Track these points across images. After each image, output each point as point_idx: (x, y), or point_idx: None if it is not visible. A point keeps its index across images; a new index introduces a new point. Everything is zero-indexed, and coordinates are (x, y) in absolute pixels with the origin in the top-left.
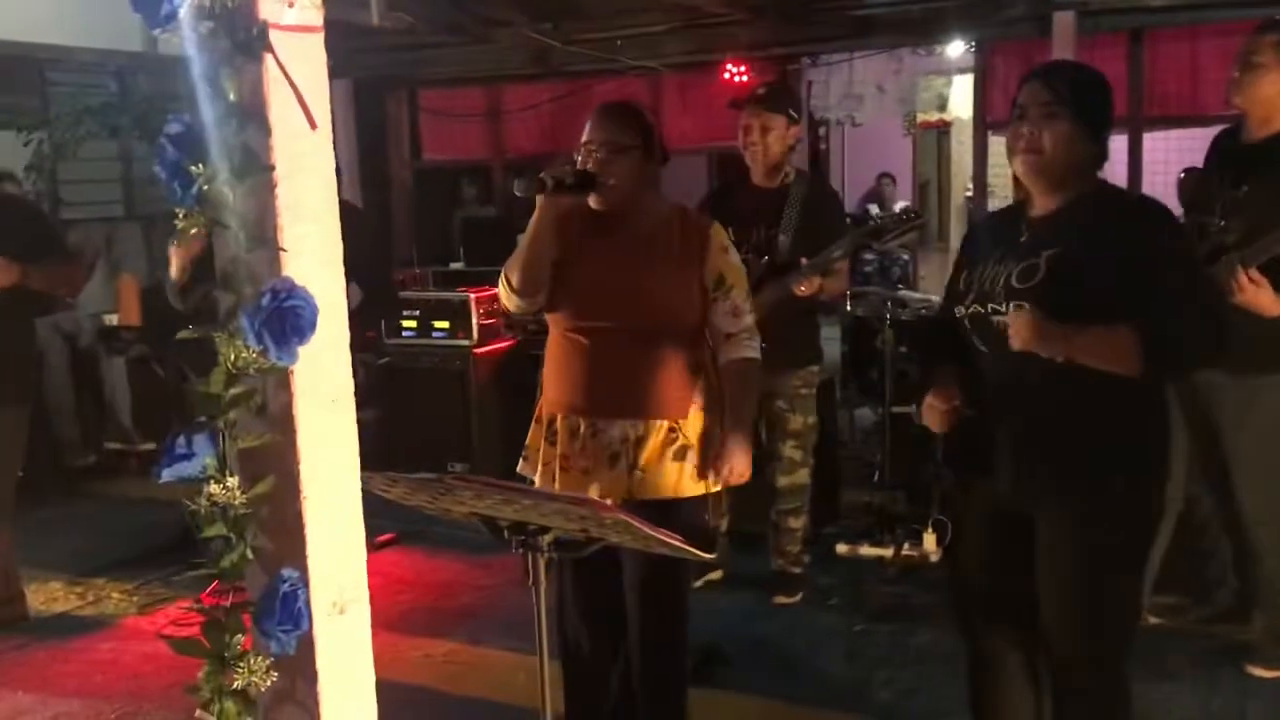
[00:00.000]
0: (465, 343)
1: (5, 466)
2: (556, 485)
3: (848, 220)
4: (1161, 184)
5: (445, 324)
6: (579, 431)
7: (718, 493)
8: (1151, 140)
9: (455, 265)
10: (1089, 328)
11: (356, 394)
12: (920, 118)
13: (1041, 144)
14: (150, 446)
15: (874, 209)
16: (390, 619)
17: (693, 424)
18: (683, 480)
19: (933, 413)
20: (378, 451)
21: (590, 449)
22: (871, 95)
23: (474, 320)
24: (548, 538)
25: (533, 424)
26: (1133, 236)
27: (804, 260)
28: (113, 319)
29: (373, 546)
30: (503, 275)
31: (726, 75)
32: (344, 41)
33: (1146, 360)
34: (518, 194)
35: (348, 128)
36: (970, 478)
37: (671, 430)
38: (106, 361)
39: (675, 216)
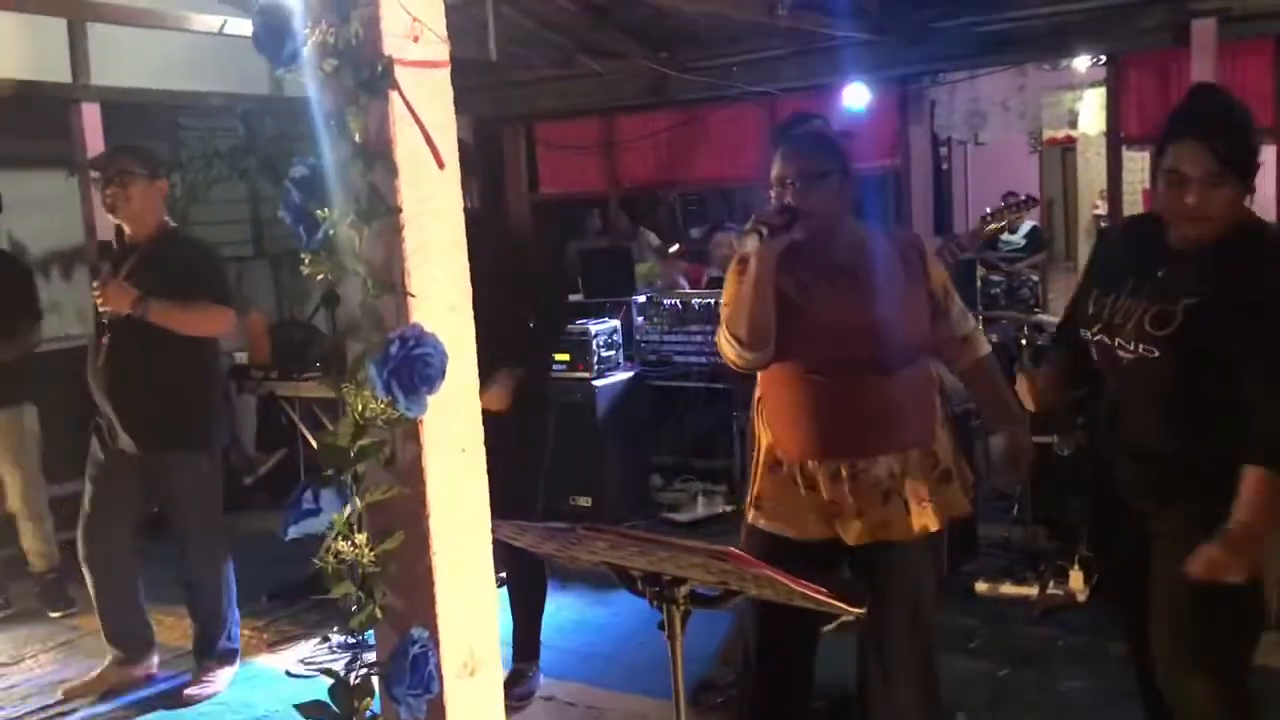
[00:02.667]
0: (584, 375)
1: (206, 503)
2: (840, 529)
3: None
4: None
5: (565, 356)
6: (840, 474)
7: None
8: None
9: (574, 297)
10: (1253, 515)
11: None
12: (1047, 134)
13: (1209, 213)
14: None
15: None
16: (510, 659)
17: (941, 444)
18: (956, 501)
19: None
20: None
21: (856, 490)
22: (995, 113)
23: (594, 352)
24: (684, 589)
25: (762, 471)
26: (1271, 285)
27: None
28: (242, 357)
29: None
30: (723, 332)
31: (845, 99)
32: (461, 78)
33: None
34: (740, 251)
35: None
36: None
37: (930, 456)
38: (236, 399)
39: (881, 234)
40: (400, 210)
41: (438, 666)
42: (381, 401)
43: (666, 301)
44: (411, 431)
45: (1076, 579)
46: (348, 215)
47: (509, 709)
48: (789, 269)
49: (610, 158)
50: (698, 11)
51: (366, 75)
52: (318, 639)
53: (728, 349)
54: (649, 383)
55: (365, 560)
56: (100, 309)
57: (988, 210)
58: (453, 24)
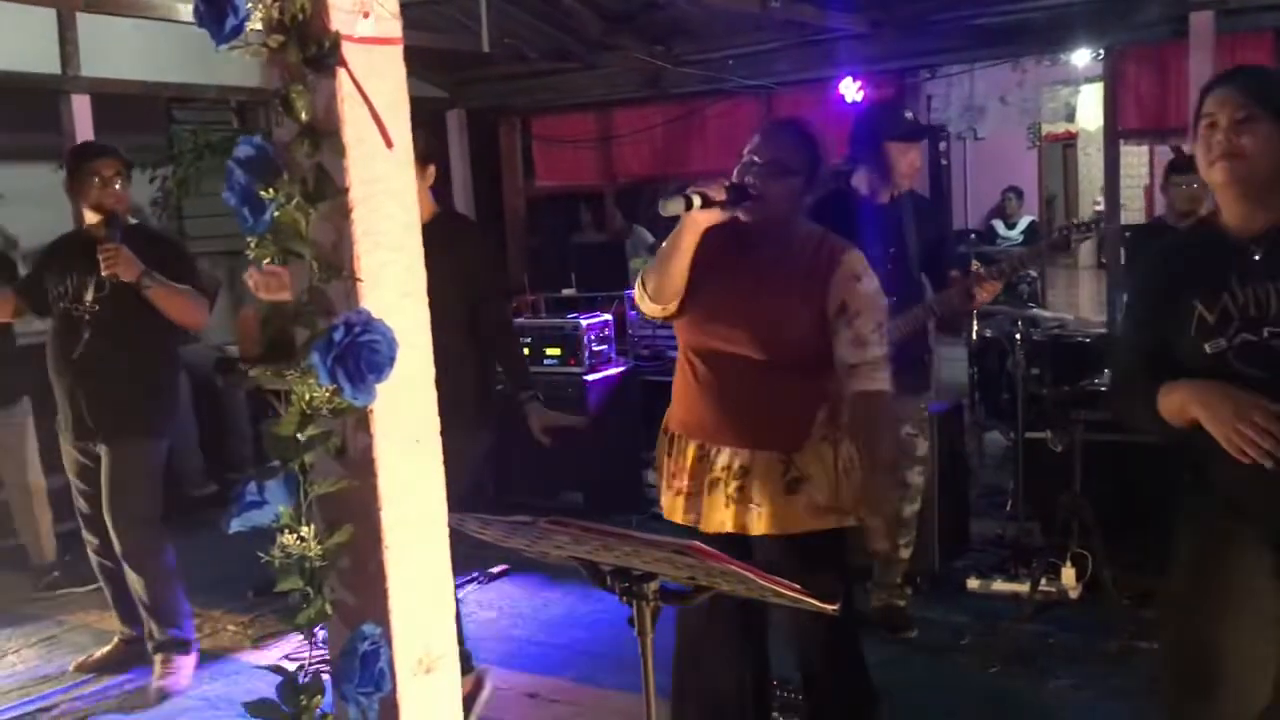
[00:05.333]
0: (577, 370)
1: (147, 499)
2: (676, 505)
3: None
4: None
5: (557, 351)
6: (688, 452)
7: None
8: None
9: (568, 291)
10: None
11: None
12: (1046, 129)
13: (1241, 148)
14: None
15: (999, 225)
16: (500, 655)
17: (809, 457)
18: (798, 514)
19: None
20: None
21: (696, 472)
22: (993, 107)
23: (586, 347)
24: (653, 585)
25: (660, 434)
26: None
27: (978, 266)
28: (234, 350)
29: (487, 577)
30: (640, 276)
31: (840, 92)
32: (456, 71)
33: None
34: (663, 214)
35: (463, 157)
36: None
37: (781, 461)
38: (227, 393)
39: (812, 241)
40: (348, 191)
41: (390, 664)
42: (326, 389)
43: None
44: (362, 421)
45: (1069, 576)
46: (294, 197)
47: None
48: (718, 245)
49: (606, 151)
50: (692, 4)
51: (314, 52)
52: (302, 635)
53: (636, 290)
54: (642, 377)
55: (313, 553)
56: (103, 274)
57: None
58: (446, 16)
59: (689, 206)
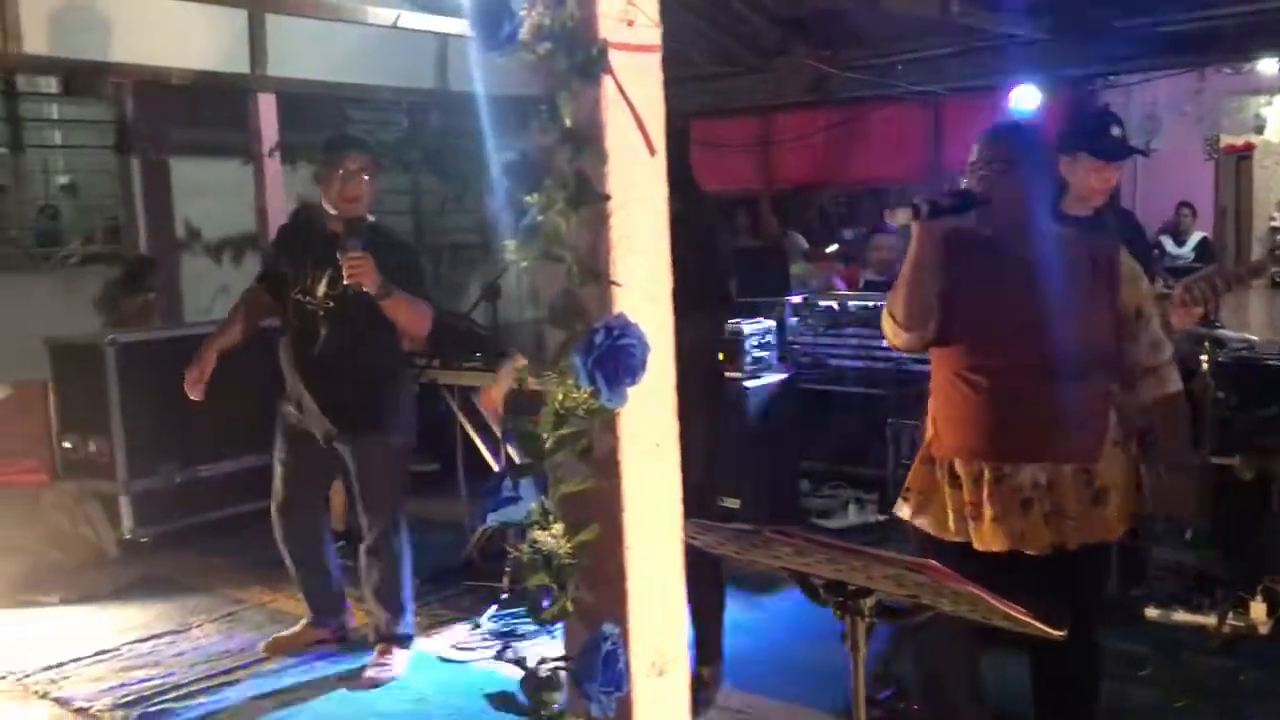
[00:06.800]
0: (736, 375)
1: (395, 494)
2: (970, 535)
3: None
4: None
5: (720, 356)
6: (983, 476)
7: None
8: None
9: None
10: None
11: None
12: (1225, 140)
13: None
14: (433, 468)
15: (1167, 242)
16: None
17: (1108, 465)
18: (1109, 522)
19: None
20: None
21: (997, 495)
22: (1171, 118)
23: (747, 353)
24: (870, 600)
25: (916, 464)
26: None
27: (1174, 285)
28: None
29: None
30: (885, 309)
31: (1013, 99)
32: None
33: None
34: (890, 223)
35: None
36: None
37: (1084, 472)
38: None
39: (1075, 241)
40: (609, 198)
41: (627, 664)
42: (583, 391)
43: (822, 303)
44: (608, 423)
45: (1259, 610)
46: (555, 202)
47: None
48: (967, 257)
49: (765, 156)
50: (866, 8)
51: (581, 59)
52: (470, 624)
53: (885, 325)
54: (801, 385)
55: (563, 551)
56: (345, 282)
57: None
58: None
59: (917, 215)
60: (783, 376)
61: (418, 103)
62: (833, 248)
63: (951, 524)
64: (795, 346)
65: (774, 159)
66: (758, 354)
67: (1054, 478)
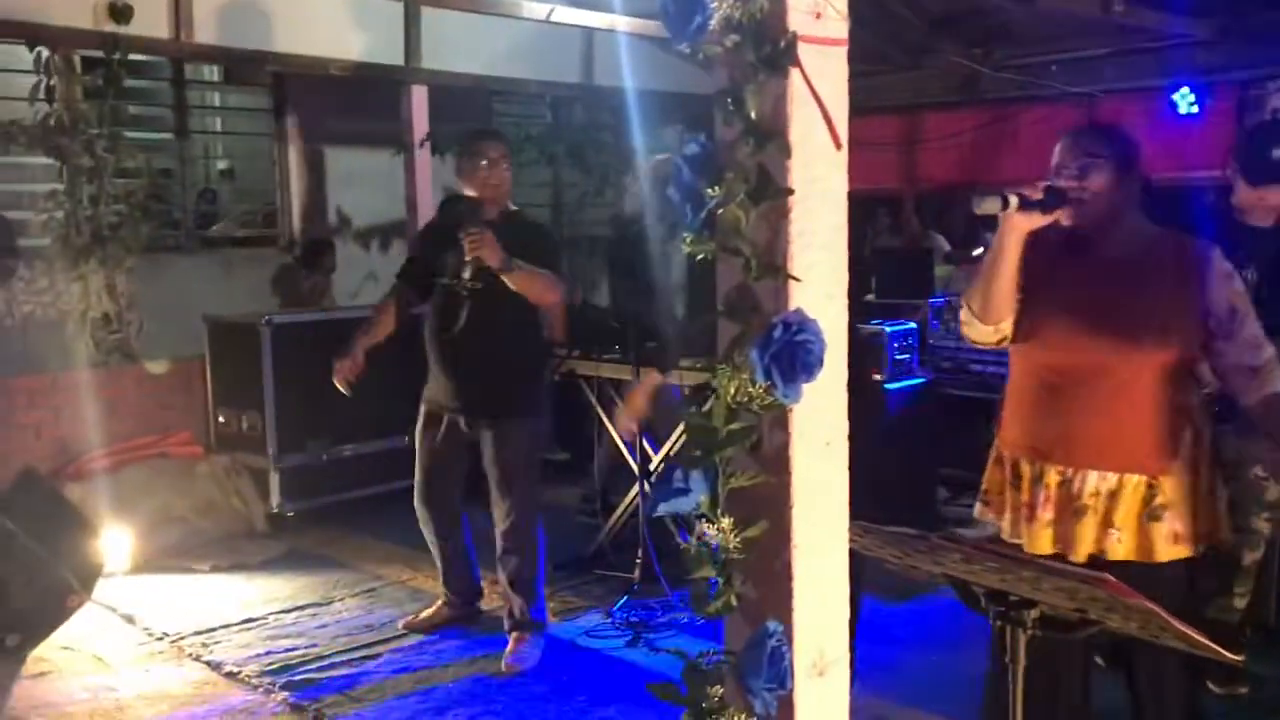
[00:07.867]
0: (877, 378)
1: (531, 481)
2: (1022, 536)
3: None
4: None
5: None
6: (1043, 479)
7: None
8: None
9: (868, 297)
10: None
11: None
12: None
13: None
14: (565, 457)
15: None
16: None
17: (1174, 482)
18: (1158, 542)
19: None
20: None
21: (1056, 499)
22: None
23: (887, 355)
24: (1034, 612)
25: (990, 465)
26: None
27: None
28: None
29: None
30: (964, 300)
31: (1173, 102)
32: None
33: None
34: (977, 212)
35: None
36: None
37: (1149, 486)
38: None
39: (1162, 239)
40: (791, 192)
41: (790, 662)
42: (759, 386)
43: None
44: (779, 419)
45: None
46: (736, 195)
47: None
48: (1050, 255)
49: (910, 156)
50: (1022, 6)
51: (769, 51)
52: (601, 612)
53: (962, 314)
54: (942, 390)
55: (731, 546)
56: (467, 259)
57: None
58: None
59: (1005, 206)
60: (923, 381)
61: (562, 97)
62: (978, 251)
63: (1007, 525)
64: (937, 350)
65: (918, 158)
66: (899, 357)
67: (1116, 488)
